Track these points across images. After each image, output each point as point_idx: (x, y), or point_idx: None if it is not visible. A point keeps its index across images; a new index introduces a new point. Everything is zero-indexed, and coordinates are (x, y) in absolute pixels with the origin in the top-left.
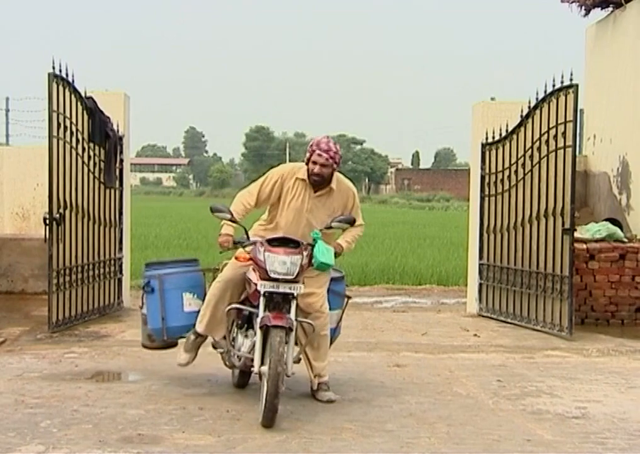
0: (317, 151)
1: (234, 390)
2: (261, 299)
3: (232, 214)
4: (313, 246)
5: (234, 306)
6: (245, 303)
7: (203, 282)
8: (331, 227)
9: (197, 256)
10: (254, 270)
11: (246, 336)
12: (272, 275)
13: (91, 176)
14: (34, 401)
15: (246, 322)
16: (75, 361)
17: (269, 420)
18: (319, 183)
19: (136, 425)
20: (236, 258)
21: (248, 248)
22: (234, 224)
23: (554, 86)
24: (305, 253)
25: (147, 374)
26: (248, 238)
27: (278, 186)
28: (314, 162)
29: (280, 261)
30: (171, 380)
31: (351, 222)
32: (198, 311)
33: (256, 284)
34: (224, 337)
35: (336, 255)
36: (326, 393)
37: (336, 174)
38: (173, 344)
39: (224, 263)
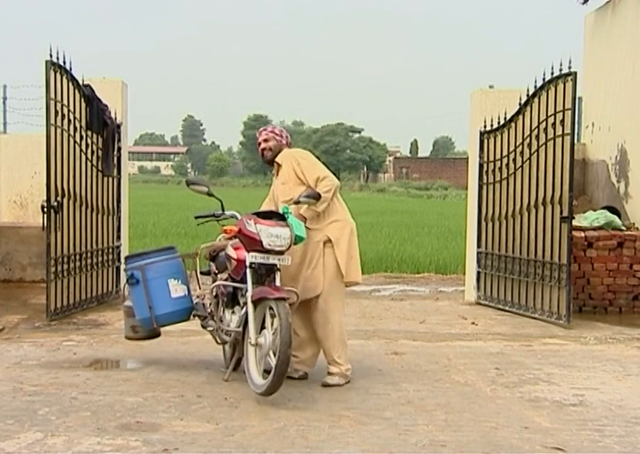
0: (258, 135)
1: (232, 378)
2: (249, 271)
3: (209, 188)
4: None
5: (219, 283)
6: (227, 280)
7: (184, 268)
8: (299, 202)
9: (195, 245)
10: (235, 247)
11: (233, 312)
12: (268, 247)
13: (89, 164)
14: (33, 388)
15: (231, 299)
16: (73, 349)
17: (276, 387)
18: (269, 158)
19: (134, 413)
20: (224, 231)
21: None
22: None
23: (552, 73)
24: (290, 227)
25: (145, 362)
26: (224, 211)
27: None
28: (259, 144)
29: (274, 233)
30: (169, 368)
31: (316, 197)
32: (184, 297)
33: (237, 260)
34: (212, 316)
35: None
36: (326, 378)
37: (284, 151)
38: (156, 334)
39: (202, 248)
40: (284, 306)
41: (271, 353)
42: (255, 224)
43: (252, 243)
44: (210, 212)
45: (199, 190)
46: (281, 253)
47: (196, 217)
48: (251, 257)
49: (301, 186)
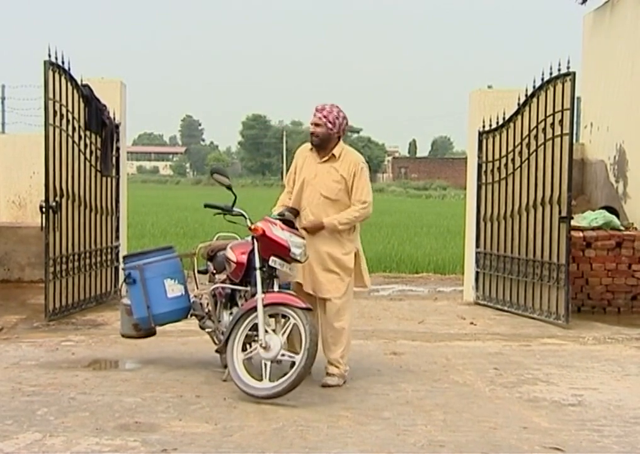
0: (314, 112)
1: (230, 378)
2: (259, 274)
3: (229, 180)
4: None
5: (219, 285)
6: (226, 281)
7: (182, 267)
8: (283, 215)
9: (193, 245)
10: (235, 250)
11: (231, 313)
12: (294, 257)
13: (88, 164)
14: (31, 389)
15: (229, 300)
16: (72, 349)
17: (294, 387)
18: (317, 144)
19: (133, 413)
20: (254, 229)
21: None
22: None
23: (551, 73)
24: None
25: (143, 362)
26: (232, 208)
27: (299, 165)
28: (311, 124)
29: (299, 244)
30: (167, 368)
31: (296, 215)
32: (181, 296)
33: (236, 263)
34: (210, 316)
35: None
36: (326, 378)
37: (343, 145)
38: (152, 333)
39: (199, 247)
40: (312, 316)
41: (283, 352)
42: (284, 231)
43: (277, 248)
44: (221, 204)
45: (221, 181)
46: (298, 262)
47: (206, 206)
48: (272, 261)
49: (346, 194)
